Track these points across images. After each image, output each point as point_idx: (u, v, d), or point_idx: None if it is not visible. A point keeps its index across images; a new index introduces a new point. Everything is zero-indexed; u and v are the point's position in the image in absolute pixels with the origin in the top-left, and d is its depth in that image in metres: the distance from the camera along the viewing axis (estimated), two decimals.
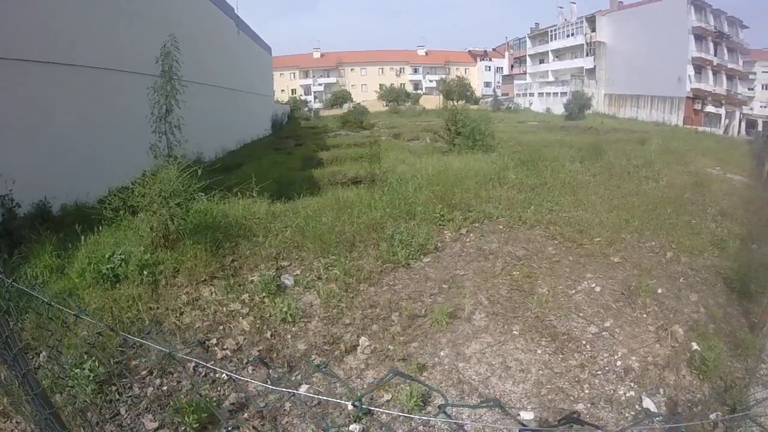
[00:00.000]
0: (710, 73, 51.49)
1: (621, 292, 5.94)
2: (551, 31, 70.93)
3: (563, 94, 60.72)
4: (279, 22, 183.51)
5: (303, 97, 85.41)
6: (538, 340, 4.95)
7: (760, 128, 55.17)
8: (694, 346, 4.91)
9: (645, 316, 5.47)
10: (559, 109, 55.09)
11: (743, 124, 54.48)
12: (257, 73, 38.92)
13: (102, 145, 13.00)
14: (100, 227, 7.06)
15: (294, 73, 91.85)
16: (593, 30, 62.47)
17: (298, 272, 6.23)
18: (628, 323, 5.31)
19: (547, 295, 5.71)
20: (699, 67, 50.74)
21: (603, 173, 12.28)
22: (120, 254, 5.91)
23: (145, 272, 5.70)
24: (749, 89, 59.05)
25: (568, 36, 67.18)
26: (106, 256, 5.89)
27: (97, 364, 4.16)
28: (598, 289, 6.00)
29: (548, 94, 67.89)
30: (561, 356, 4.73)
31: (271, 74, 49.56)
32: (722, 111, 52.22)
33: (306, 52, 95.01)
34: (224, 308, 5.31)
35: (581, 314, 5.42)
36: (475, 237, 7.60)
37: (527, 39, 77.65)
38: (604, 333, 5.10)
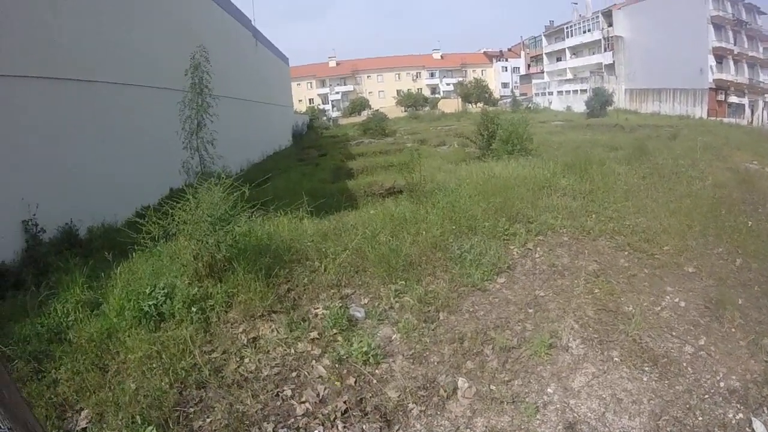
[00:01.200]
0: (731, 62, 50.29)
1: (705, 306, 5.56)
2: (567, 27, 69.94)
3: (583, 91, 59.71)
4: (291, 31, 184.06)
5: (321, 106, 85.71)
6: (640, 365, 4.53)
7: None
8: None
9: (734, 330, 5.14)
10: (579, 106, 54.05)
11: (765, 113, 53.19)
12: (276, 84, 38.72)
13: (126, 164, 12.57)
14: (133, 253, 6.46)
15: (311, 83, 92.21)
16: (610, 25, 61.33)
17: (366, 301, 5.55)
18: (720, 339, 4.97)
19: (635, 313, 5.24)
20: (720, 57, 49.54)
21: (652, 175, 11.72)
22: (162, 288, 5.25)
23: (193, 309, 5.04)
24: None
25: (584, 32, 66.10)
26: (147, 290, 5.23)
27: (153, 429, 3.52)
28: (682, 304, 5.61)
29: (567, 92, 66.76)
30: (667, 382, 4.37)
31: (289, 84, 49.43)
32: (745, 100, 51.09)
33: (321, 60, 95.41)
34: (292, 349, 4.61)
35: (674, 333, 5.03)
36: (543, 252, 7.07)
37: (543, 37, 76.80)
38: (701, 352, 4.73)
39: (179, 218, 5.59)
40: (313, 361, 4.50)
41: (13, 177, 8.59)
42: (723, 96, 49.67)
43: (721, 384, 4.38)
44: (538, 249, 7.16)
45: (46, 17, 10.11)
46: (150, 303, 5.06)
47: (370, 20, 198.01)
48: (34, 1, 9.87)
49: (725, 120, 42.79)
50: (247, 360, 4.49)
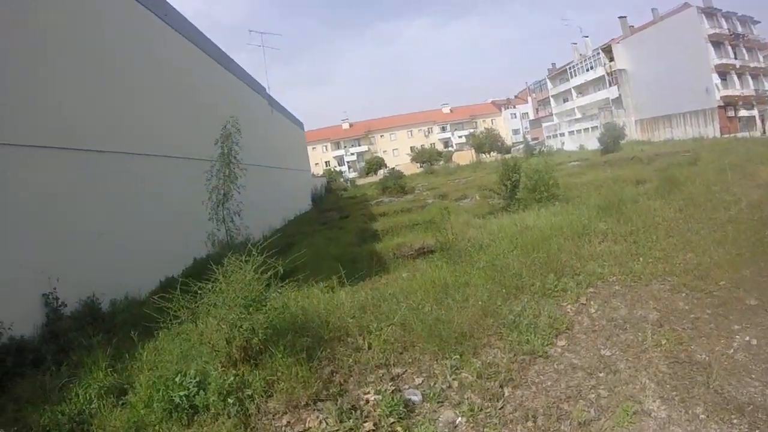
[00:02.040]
0: (735, 77, 50.58)
1: None
2: (569, 68, 71.12)
3: (593, 128, 59.93)
4: (300, 95, 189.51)
5: (337, 168, 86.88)
6: (728, 418, 4.09)
7: None
8: None
9: None
10: (592, 144, 53.95)
11: None
12: (293, 149, 39.31)
13: (148, 235, 12.39)
14: (159, 332, 6.14)
15: (326, 146, 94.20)
16: (611, 59, 62.19)
17: (419, 381, 5.03)
18: None
19: (709, 362, 4.85)
20: (723, 73, 49.86)
21: (687, 206, 11.35)
22: (194, 377, 4.80)
23: (230, 400, 4.56)
24: None
25: (587, 70, 67.07)
26: (176, 378, 4.78)
27: None
28: (754, 342, 5.22)
29: (578, 131, 67.18)
30: (758, 431, 3.91)
31: (305, 148, 50.21)
32: (755, 112, 51.14)
33: (334, 123, 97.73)
34: None
35: (753, 376, 4.61)
36: (598, 305, 6.64)
37: (547, 80, 78.06)
38: None
39: (209, 300, 5.22)
40: None
41: (32, 249, 8.37)
42: (733, 111, 49.77)
43: None
44: (592, 303, 6.76)
45: (69, 88, 10.19)
46: (181, 394, 4.61)
47: (376, 81, 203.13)
48: (58, 78, 9.92)
49: (739, 135, 42.70)
50: None
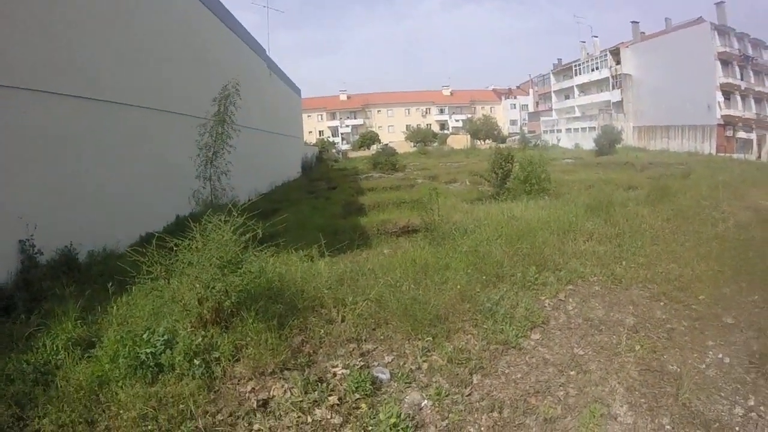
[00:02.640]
0: (739, 97, 51.00)
1: (749, 361, 5.20)
2: (575, 66, 70.91)
3: (591, 129, 59.85)
4: (304, 63, 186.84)
5: (331, 139, 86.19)
6: None
7: None
8: None
9: None
10: (588, 144, 54.13)
11: None
12: (288, 115, 38.82)
13: (132, 188, 12.15)
14: (133, 287, 5.99)
15: (321, 115, 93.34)
16: (618, 63, 62.13)
17: (389, 359, 4.99)
18: None
19: (681, 374, 4.84)
20: (727, 92, 50.23)
21: (676, 217, 11.44)
22: (162, 335, 4.70)
23: (196, 361, 4.48)
24: None
25: (592, 70, 66.97)
26: (144, 335, 4.68)
27: None
28: (726, 360, 5.24)
29: (576, 129, 67.00)
30: None
31: (300, 116, 49.65)
32: (753, 135, 51.37)
33: (332, 93, 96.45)
34: (308, 417, 4.02)
35: (722, 393, 4.63)
36: (576, 303, 6.66)
37: (551, 75, 77.78)
38: (751, 414, 4.35)
39: (184, 259, 5.09)
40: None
41: (12, 193, 8.15)
42: (731, 131, 50.19)
43: None
44: (570, 300, 6.77)
45: (61, 30, 9.85)
46: (147, 351, 4.51)
47: (382, 56, 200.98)
48: (51, 15, 9.58)
49: (734, 155, 43.05)
50: (256, 427, 3.91)
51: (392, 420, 3.91)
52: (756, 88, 52.49)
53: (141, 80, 13.16)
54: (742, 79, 51.34)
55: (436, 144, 74.52)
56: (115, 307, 5.74)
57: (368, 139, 77.13)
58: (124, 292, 6.12)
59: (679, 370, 4.96)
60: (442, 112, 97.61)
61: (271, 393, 4.29)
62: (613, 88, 62.50)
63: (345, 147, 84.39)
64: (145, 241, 5.37)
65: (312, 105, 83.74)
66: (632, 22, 63.40)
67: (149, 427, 3.77)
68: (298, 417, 4.01)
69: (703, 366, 5.12)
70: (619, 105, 61.17)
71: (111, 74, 11.62)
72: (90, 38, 10.81)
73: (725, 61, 50.08)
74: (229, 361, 4.64)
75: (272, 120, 30.90)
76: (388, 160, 40.44)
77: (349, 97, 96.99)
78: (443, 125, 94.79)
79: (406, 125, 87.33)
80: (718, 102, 49.38)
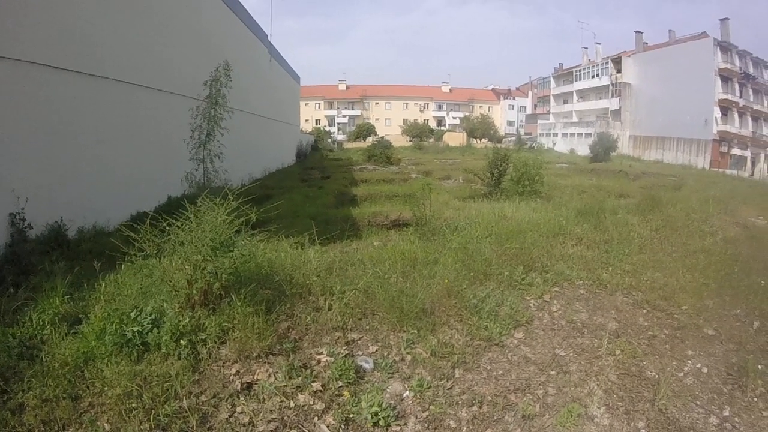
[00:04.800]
0: (736, 114, 51.65)
1: (727, 373, 5.31)
2: (576, 71, 71.08)
3: (587, 135, 60.04)
4: (305, 49, 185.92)
5: (327, 128, 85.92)
6: None
7: None
8: None
9: (756, 399, 4.87)
10: (583, 149, 54.27)
11: (766, 166, 54.00)
12: (286, 102, 38.68)
13: (125, 166, 12.04)
14: (122, 265, 5.98)
15: (319, 104, 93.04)
16: (618, 71, 62.47)
17: (373, 349, 5.05)
18: (744, 410, 4.70)
19: (659, 380, 4.94)
20: (725, 108, 50.92)
21: (665, 227, 11.50)
22: (149, 314, 4.73)
23: (182, 342, 4.52)
24: None
25: (593, 77, 67.21)
26: (131, 313, 4.71)
27: None
28: (705, 370, 5.34)
29: (572, 134, 67.20)
30: None
31: (298, 103, 49.42)
32: (748, 153, 52.32)
33: (331, 82, 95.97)
34: (291, 401, 4.08)
35: (698, 402, 4.74)
36: (561, 305, 6.71)
37: (551, 79, 77.87)
38: (726, 424, 4.49)
39: (177, 237, 5.11)
40: (316, 417, 3.98)
41: (5, 165, 8.09)
42: (726, 147, 50.86)
43: None
44: (555, 302, 6.83)
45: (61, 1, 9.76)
46: (134, 329, 4.54)
47: (385, 49, 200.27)
48: None
49: (727, 171, 43.67)
50: (239, 409, 3.96)
51: (374, 409, 3.98)
52: (754, 106, 53.01)
53: (141, 58, 13.07)
54: (741, 97, 51.81)
55: (432, 140, 74.59)
56: (103, 285, 5.72)
57: (364, 130, 77.04)
58: (113, 271, 6.11)
59: (657, 376, 5.04)
60: (440, 108, 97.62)
61: (255, 376, 4.34)
62: (612, 95, 62.78)
63: (341, 137, 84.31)
64: (136, 220, 5.37)
65: (310, 93, 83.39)
66: (636, 31, 63.80)
67: (133, 405, 3.80)
68: (281, 401, 4.07)
69: (682, 374, 5.21)
70: (616, 113, 61.47)
71: (112, 50, 11.53)
72: (91, 13, 10.70)
73: (725, 78, 50.50)
74: (215, 343, 4.67)
75: (270, 106, 30.80)
76: (383, 153, 40.37)
77: (348, 87, 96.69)
78: (440, 121, 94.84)
79: (404, 119, 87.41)
80: (716, 117, 49.94)
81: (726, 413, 4.61)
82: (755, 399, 4.86)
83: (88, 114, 10.52)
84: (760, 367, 5.32)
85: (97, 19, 10.95)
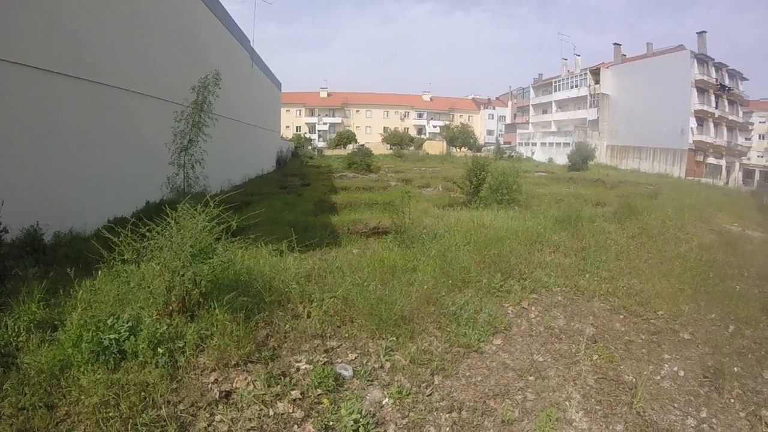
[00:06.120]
0: (712, 125, 52.94)
1: (703, 375, 5.47)
2: (555, 82, 72.24)
3: (566, 144, 61.09)
4: (288, 56, 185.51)
5: (308, 135, 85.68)
6: None
7: (756, 178, 57.02)
8: None
9: (733, 401, 5.02)
10: (561, 159, 55.16)
11: (740, 174, 55.43)
12: (266, 108, 38.54)
13: (103, 170, 11.87)
14: (99, 271, 5.88)
15: (300, 110, 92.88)
16: (597, 82, 63.60)
17: (353, 357, 5.05)
18: (721, 411, 4.84)
19: (636, 384, 5.05)
20: (701, 119, 52.21)
21: (641, 235, 11.76)
22: (126, 321, 4.65)
23: (160, 349, 4.45)
24: (746, 139, 61.45)
25: (571, 87, 68.40)
26: (108, 321, 4.61)
27: None
28: (681, 373, 5.49)
29: (551, 144, 68.23)
30: None
31: (279, 110, 49.31)
32: (723, 162, 53.76)
33: (313, 89, 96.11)
34: (270, 410, 4.05)
35: (675, 404, 4.86)
36: (539, 312, 6.84)
37: (531, 89, 78.94)
38: (703, 425, 4.60)
39: (157, 243, 5.06)
40: (295, 426, 3.97)
41: None
42: (702, 157, 52.06)
43: None
44: (533, 308, 6.95)
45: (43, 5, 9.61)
46: (111, 336, 4.45)
47: (367, 57, 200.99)
48: None
49: (703, 180, 44.72)
50: (218, 418, 3.92)
51: (353, 416, 3.98)
52: (729, 116, 54.55)
53: (124, 61, 12.94)
54: (716, 107, 53.25)
55: (412, 148, 74.80)
56: (80, 291, 5.62)
57: (345, 138, 76.96)
58: (90, 277, 6.00)
59: (634, 380, 5.15)
60: (420, 116, 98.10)
61: (234, 385, 4.31)
62: (591, 106, 63.92)
63: (321, 144, 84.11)
64: (113, 225, 5.28)
65: (291, 100, 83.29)
66: (614, 44, 65.14)
67: (110, 414, 3.74)
68: (260, 410, 4.05)
69: (659, 378, 5.34)
70: (594, 123, 62.52)
71: (94, 52, 11.40)
72: (74, 13, 10.58)
73: (702, 89, 51.80)
74: (194, 351, 4.62)
75: (251, 112, 30.67)
76: (363, 161, 40.39)
77: (329, 95, 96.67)
78: (420, 130, 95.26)
79: (384, 127, 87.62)
80: (691, 127, 51.21)
81: (703, 415, 4.73)
82: (732, 400, 5.00)
83: (67, 116, 10.37)
84: (735, 369, 5.50)
85: (79, 20, 10.82)
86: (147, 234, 5.15)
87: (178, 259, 4.84)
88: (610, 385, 5.08)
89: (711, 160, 52.86)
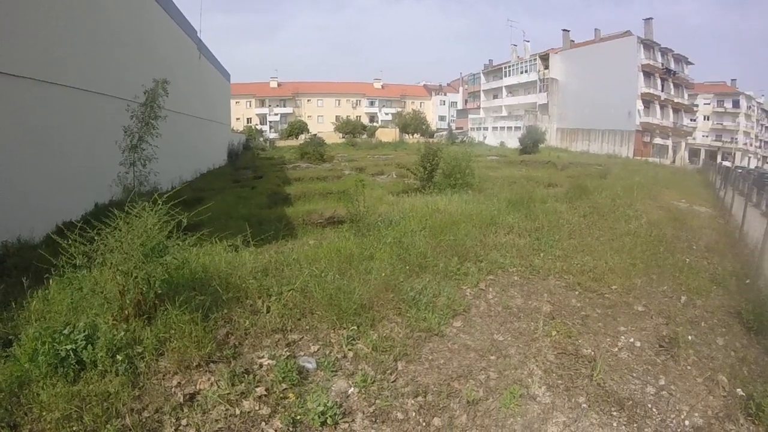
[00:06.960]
0: (658, 107, 55.26)
1: (659, 345, 5.70)
2: (505, 67, 73.30)
3: (516, 128, 62.16)
4: (237, 46, 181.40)
5: (259, 127, 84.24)
6: (608, 410, 4.51)
7: (702, 156, 59.70)
8: (740, 392, 4.84)
9: (689, 367, 5.26)
10: (513, 143, 56.12)
11: (687, 153, 57.79)
12: (216, 100, 37.57)
13: (47, 173, 11.32)
14: (51, 280, 5.65)
15: (250, 102, 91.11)
16: (546, 67, 64.94)
17: (315, 349, 5.04)
18: (679, 378, 5.06)
19: (595, 357, 5.26)
20: (647, 101, 54.29)
21: (592, 213, 12.18)
22: (82, 330, 4.47)
23: (119, 357, 4.31)
24: (692, 120, 63.77)
25: (521, 72, 69.56)
26: (64, 331, 4.42)
27: None
28: (638, 344, 5.74)
29: (502, 128, 69.35)
30: (636, 425, 4.33)
31: (229, 102, 48.16)
32: (669, 142, 55.88)
33: (263, 80, 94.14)
34: (236, 409, 4.01)
35: (634, 374, 5.08)
36: (496, 292, 7.00)
37: (481, 75, 79.79)
38: (662, 392, 4.79)
39: (107, 245, 4.90)
40: (263, 423, 3.94)
41: None
42: (649, 137, 54.14)
43: (686, 422, 4.42)
44: (491, 289, 7.09)
45: None
46: (68, 347, 4.28)
47: (317, 45, 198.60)
48: None
49: (650, 159, 46.56)
50: (184, 422, 3.85)
51: (320, 408, 4.00)
52: (675, 99, 56.87)
53: (66, 56, 12.34)
54: (662, 90, 55.43)
55: (365, 136, 74.70)
56: (32, 302, 5.43)
57: (297, 128, 76.07)
58: (41, 286, 5.78)
59: (593, 353, 5.35)
60: (372, 104, 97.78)
61: (197, 387, 4.25)
62: (540, 90, 65.22)
63: (273, 135, 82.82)
64: (62, 230, 5.06)
65: (241, 91, 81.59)
66: (563, 30, 66.46)
67: (74, 428, 3.63)
68: (226, 410, 4.01)
69: (616, 349, 5.55)
70: (544, 107, 63.86)
71: (33, 47, 10.81)
72: (8, 4, 9.99)
73: (648, 73, 53.78)
74: (153, 355, 4.52)
75: (199, 105, 29.85)
76: (316, 151, 40.13)
77: (279, 85, 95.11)
78: (373, 118, 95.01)
79: (336, 116, 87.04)
80: (638, 110, 53.24)
81: (662, 382, 4.94)
82: (688, 367, 5.25)
83: (3, 117, 9.81)
84: (690, 337, 5.78)
85: (14, 12, 10.21)
86: (96, 237, 4.97)
87: (130, 261, 4.71)
88: (570, 359, 5.25)
89: (658, 140, 55.03)
